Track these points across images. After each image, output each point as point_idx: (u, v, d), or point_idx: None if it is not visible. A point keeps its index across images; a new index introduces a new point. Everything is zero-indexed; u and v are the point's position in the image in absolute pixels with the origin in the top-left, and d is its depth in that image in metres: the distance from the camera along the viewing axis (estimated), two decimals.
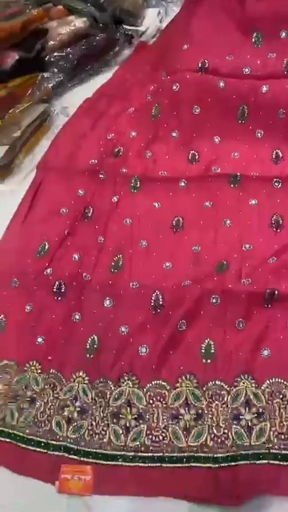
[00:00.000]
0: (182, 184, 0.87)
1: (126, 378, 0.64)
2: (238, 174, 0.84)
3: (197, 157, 0.91)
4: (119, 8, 1.25)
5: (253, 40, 0.92)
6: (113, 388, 0.64)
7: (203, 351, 0.65)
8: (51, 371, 0.67)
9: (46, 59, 1.12)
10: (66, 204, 0.87)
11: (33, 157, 1.00)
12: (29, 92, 1.01)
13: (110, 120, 1.03)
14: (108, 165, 0.93)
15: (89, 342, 0.68)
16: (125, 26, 1.27)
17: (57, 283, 0.75)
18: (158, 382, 0.64)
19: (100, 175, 0.92)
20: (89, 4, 1.22)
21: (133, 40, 1.27)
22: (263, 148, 0.89)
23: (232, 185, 0.84)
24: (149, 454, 0.58)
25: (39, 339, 0.70)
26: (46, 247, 0.81)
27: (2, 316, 0.73)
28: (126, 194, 0.88)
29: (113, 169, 0.92)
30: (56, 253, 0.80)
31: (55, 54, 1.14)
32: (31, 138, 1.02)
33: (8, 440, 0.62)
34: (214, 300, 0.69)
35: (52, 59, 1.12)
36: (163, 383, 0.64)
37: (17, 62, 1.02)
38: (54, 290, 0.74)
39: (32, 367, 0.68)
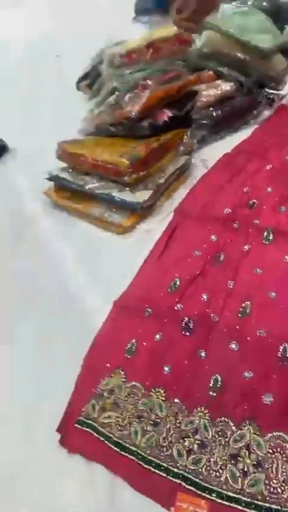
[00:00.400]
0: None
1: (247, 423, 0.65)
2: None
3: None
4: (264, 74, 1.34)
5: None
6: (234, 429, 0.65)
7: None
8: (175, 400, 0.70)
9: (194, 117, 1.24)
10: (199, 247, 0.94)
11: (172, 202, 1.09)
12: (176, 145, 1.13)
13: (247, 175, 1.10)
14: (242, 216, 0.99)
15: (212, 380, 0.71)
16: (267, 90, 1.36)
17: (186, 319, 0.80)
18: (279, 434, 0.64)
19: (234, 224, 0.97)
20: (235, 70, 1.33)
21: (274, 103, 1.34)
22: None
23: None
24: (267, 505, 0.58)
25: (166, 368, 0.75)
26: (177, 284, 0.87)
27: (134, 340, 0.80)
28: (257, 245, 0.92)
29: (247, 220, 0.97)
30: (186, 291, 0.86)
31: (202, 112, 1.25)
32: (172, 185, 1.12)
33: (130, 457, 0.66)
34: None
35: (199, 117, 1.24)
36: (285, 436, 0.63)
37: (169, 119, 1.16)
38: (183, 325, 0.79)
39: (157, 393, 0.72)
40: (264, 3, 1.48)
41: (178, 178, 1.14)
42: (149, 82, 1.17)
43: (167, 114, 1.13)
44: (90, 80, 1.52)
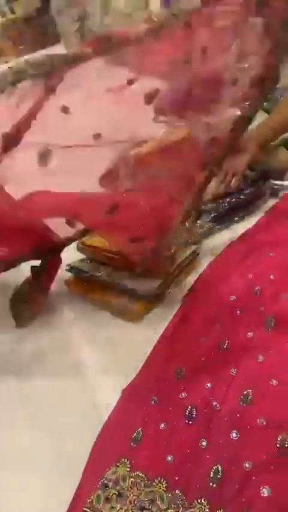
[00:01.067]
0: None
1: None
2: None
3: None
4: (269, 166, 1.47)
5: None
6: None
7: None
8: (176, 491, 0.72)
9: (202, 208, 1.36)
10: (205, 335, 0.99)
11: (181, 289, 1.17)
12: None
13: (253, 262, 1.17)
14: (246, 303, 1.05)
15: (213, 470, 0.73)
16: (272, 181, 1.47)
17: (189, 407, 0.83)
18: None
19: (237, 311, 1.03)
20: None
21: (279, 192, 1.44)
22: None
23: None
24: None
25: (169, 457, 0.77)
26: (183, 372, 0.92)
27: (140, 429, 0.83)
28: (261, 331, 0.96)
29: (251, 307, 1.03)
30: (191, 377, 0.90)
31: (208, 205, 1.37)
32: (181, 273, 1.21)
33: None
34: None
35: (206, 209, 1.35)
36: None
37: None
38: (187, 414, 0.83)
39: (159, 484, 0.74)
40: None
41: (187, 267, 1.22)
42: None
43: None
44: None
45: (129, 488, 0.75)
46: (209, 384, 0.88)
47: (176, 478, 0.74)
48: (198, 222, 1.31)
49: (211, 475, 0.73)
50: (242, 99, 1.83)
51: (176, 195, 1.17)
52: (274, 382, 0.84)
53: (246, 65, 1.88)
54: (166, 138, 1.30)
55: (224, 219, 1.37)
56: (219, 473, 0.73)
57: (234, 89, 1.86)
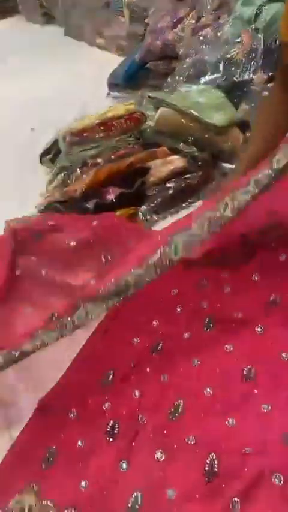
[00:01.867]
0: (259, 329, 0.83)
1: None
2: None
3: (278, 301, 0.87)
4: (218, 148, 1.36)
5: None
6: None
7: None
8: None
9: (147, 193, 1.23)
10: (138, 334, 0.88)
11: None
12: None
13: None
14: (188, 298, 0.94)
15: (132, 499, 0.63)
16: (222, 164, 1.36)
17: (111, 421, 0.73)
18: None
19: (177, 309, 0.92)
20: (190, 146, 1.34)
21: (229, 175, 1.34)
22: None
23: None
24: None
25: (83, 483, 0.67)
26: (110, 378, 0.81)
27: (54, 447, 0.72)
28: (198, 332, 0.86)
29: (193, 303, 0.92)
30: (119, 385, 0.79)
31: (155, 189, 1.25)
32: None
33: None
34: (277, 480, 0.59)
35: (151, 194, 1.23)
36: None
37: (118, 196, 1.15)
38: (108, 430, 0.72)
39: None
40: (220, 81, 1.53)
41: None
42: (99, 160, 1.17)
43: (114, 192, 1.12)
44: (52, 155, 1.54)
45: None
46: (137, 393, 0.77)
47: (89, 508, 0.64)
48: (143, 207, 1.18)
49: (129, 505, 0.63)
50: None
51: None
52: (208, 390, 0.75)
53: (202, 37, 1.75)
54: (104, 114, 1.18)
55: (172, 204, 1.25)
56: (138, 503, 0.62)
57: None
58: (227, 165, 1.35)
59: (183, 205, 1.26)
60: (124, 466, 0.67)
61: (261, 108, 1.14)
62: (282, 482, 0.59)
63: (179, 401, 0.74)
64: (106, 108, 1.55)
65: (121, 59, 2.79)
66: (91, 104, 1.85)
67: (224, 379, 0.76)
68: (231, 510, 0.58)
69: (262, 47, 1.49)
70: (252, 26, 1.54)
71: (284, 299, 0.86)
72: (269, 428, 0.67)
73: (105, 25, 3.08)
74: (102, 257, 1.01)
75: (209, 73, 1.54)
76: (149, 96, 1.47)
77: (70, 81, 2.80)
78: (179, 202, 1.25)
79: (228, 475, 0.61)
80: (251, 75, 1.45)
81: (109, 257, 1.00)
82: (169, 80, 1.68)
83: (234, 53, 1.52)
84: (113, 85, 2.15)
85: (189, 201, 1.27)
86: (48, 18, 4.87)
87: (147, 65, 1.97)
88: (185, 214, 1.23)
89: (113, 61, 2.92)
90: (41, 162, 1.64)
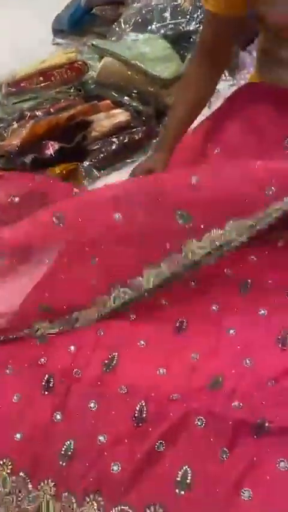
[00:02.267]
0: (192, 283, 0.85)
1: (91, 498, 0.60)
2: (249, 280, 0.81)
3: None
4: (163, 102, 1.33)
5: None
6: (75, 507, 0.60)
7: (178, 479, 0.60)
8: (20, 474, 0.64)
9: (89, 148, 1.20)
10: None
11: None
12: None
13: None
14: None
15: (64, 447, 0.66)
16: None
17: (46, 376, 0.74)
18: (124, 508, 0.59)
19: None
20: (134, 99, 1.31)
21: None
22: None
23: (242, 291, 0.81)
24: None
25: (18, 435, 0.69)
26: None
27: None
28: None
29: None
30: (55, 340, 0.80)
31: (98, 143, 1.22)
32: None
33: None
34: (199, 423, 0.64)
35: (93, 149, 1.20)
36: (129, 510, 0.59)
37: (58, 151, 1.11)
38: (43, 384, 0.73)
39: (4, 466, 0.66)
40: (166, 30, 1.47)
41: None
42: (37, 112, 1.11)
43: (53, 147, 1.08)
44: None
45: None
46: (72, 348, 0.79)
47: (23, 459, 0.66)
48: (84, 163, 1.15)
49: (62, 452, 0.66)
50: None
51: None
52: (142, 343, 0.78)
53: None
54: None
55: (115, 159, 1.23)
56: (71, 450, 0.65)
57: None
58: None
59: (127, 161, 1.24)
60: (58, 417, 0.70)
61: (184, 76, 1.12)
62: (203, 425, 0.64)
63: (114, 354, 0.76)
64: (48, 55, 1.46)
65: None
66: (36, 51, 1.74)
67: (157, 332, 0.79)
68: (156, 451, 0.62)
69: None
70: None
71: None
72: (195, 376, 0.71)
73: None
74: None
75: (155, 22, 1.48)
76: (92, 45, 1.39)
77: (12, 26, 2.61)
78: (122, 157, 1.24)
79: (155, 419, 0.65)
80: (197, 25, 1.40)
81: None
82: (115, 27, 1.60)
83: (181, 0, 1.46)
84: (57, 31, 2.03)
85: (133, 157, 1.26)
86: None
87: (94, 10, 1.85)
88: (128, 170, 1.23)
89: (61, 4, 2.74)
90: None
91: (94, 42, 1.40)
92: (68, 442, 0.66)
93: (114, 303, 0.80)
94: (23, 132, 1.04)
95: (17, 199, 0.99)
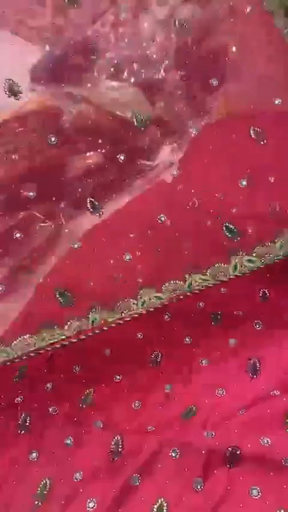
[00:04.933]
0: (166, 317, 0.88)
1: None
2: (219, 311, 0.85)
3: None
4: (135, 145, 1.40)
5: None
6: None
7: (154, 511, 0.61)
8: None
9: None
10: None
11: None
12: None
13: None
14: None
15: (40, 485, 0.66)
16: (140, 161, 1.40)
17: (23, 415, 0.74)
18: None
19: None
20: (106, 142, 1.37)
21: (144, 174, 1.38)
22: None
23: (213, 323, 0.84)
24: None
25: None
26: (23, 371, 0.82)
27: None
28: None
29: None
30: (31, 380, 0.81)
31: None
32: None
33: None
34: (173, 454, 0.65)
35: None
36: None
37: None
38: (20, 423, 0.74)
39: None
40: (136, 78, 1.56)
41: None
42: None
43: None
44: None
45: None
46: (49, 385, 0.80)
47: None
48: None
49: (38, 491, 0.65)
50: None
51: None
52: (118, 377, 0.79)
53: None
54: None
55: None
56: (47, 489, 0.65)
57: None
58: (145, 162, 1.39)
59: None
60: (34, 455, 0.70)
61: None
62: (178, 455, 0.65)
63: (90, 390, 0.78)
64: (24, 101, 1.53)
65: (43, 50, 2.76)
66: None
67: (132, 365, 0.81)
68: (131, 485, 0.63)
69: (175, 45, 1.54)
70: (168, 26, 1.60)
71: None
72: (169, 407, 0.72)
73: (28, 15, 3.02)
74: None
75: (126, 70, 1.57)
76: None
77: None
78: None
79: (130, 453, 0.66)
80: (163, 73, 1.50)
81: None
82: (87, 75, 1.70)
83: (149, 51, 1.57)
84: (34, 78, 2.12)
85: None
86: None
87: (67, 58, 1.96)
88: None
89: (35, 52, 2.88)
90: None
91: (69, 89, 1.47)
92: (44, 481, 0.66)
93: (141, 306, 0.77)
94: None
95: None
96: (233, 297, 0.89)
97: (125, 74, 1.69)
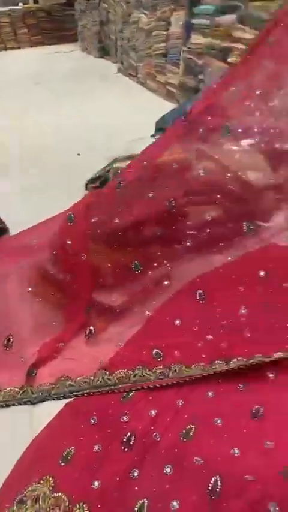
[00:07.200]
0: (271, 375, 0.90)
1: None
2: None
3: None
4: (252, 207, 1.47)
5: None
6: None
7: None
8: None
9: None
10: None
11: None
12: None
13: None
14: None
15: (138, 504, 0.70)
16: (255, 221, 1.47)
17: (129, 434, 0.80)
18: None
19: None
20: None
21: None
22: None
23: None
24: None
25: (96, 483, 0.74)
26: (130, 394, 0.88)
27: (73, 448, 0.79)
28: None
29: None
30: (137, 402, 0.87)
31: None
32: None
33: None
34: (272, 509, 0.66)
35: None
36: None
37: None
38: (125, 440, 0.79)
39: (80, 509, 0.70)
40: (262, 146, 1.67)
41: None
42: None
43: None
44: (99, 183, 1.67)
45: (48, 510, 0.71)
46: (153, 412, 0.85)
47: (99, 506, 0.71)
48: None
49: (136, 509, 0.69)
50: None
51: None
52: (218, 421, 0.82)
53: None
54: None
55: None
56: (144, 509, 0.69)
57: None
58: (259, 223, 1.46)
59: None
60: (135, 474, 0.74)
61: None
62: (277, 509, 0.66)
63: (191, 426, 0.81)
64: None
65: (168, 103, 3.05)
66: (136, 142, 2.01)
67: (234, 414, 0.83)
68: None
69: None
70: None
71: None
72: (270, 463, 0.73)
73: (159, 71, 3.33)
74: None
75: (253, 137, 1.68)
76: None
77: (118, 115, 3.02)
78: None
79: (230, 496, 0.68)
80: None
81: None
82: (214, 135, 1.84)
83: (280, 123, 1.67)
84: (161, 129, 2.33)
85: None
86: (104, 52, 5.24)
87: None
88: None
89: (161, 105, 3.14)
90: (86, 188, 1.77)
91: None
92: (142, 501, 0.70)
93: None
94: None
95: None
96: None
97: (249, 140, 1.80)
